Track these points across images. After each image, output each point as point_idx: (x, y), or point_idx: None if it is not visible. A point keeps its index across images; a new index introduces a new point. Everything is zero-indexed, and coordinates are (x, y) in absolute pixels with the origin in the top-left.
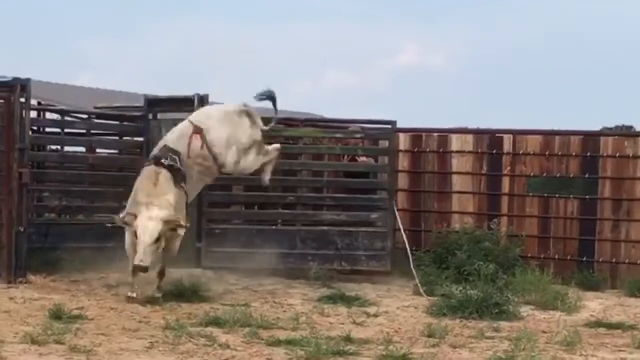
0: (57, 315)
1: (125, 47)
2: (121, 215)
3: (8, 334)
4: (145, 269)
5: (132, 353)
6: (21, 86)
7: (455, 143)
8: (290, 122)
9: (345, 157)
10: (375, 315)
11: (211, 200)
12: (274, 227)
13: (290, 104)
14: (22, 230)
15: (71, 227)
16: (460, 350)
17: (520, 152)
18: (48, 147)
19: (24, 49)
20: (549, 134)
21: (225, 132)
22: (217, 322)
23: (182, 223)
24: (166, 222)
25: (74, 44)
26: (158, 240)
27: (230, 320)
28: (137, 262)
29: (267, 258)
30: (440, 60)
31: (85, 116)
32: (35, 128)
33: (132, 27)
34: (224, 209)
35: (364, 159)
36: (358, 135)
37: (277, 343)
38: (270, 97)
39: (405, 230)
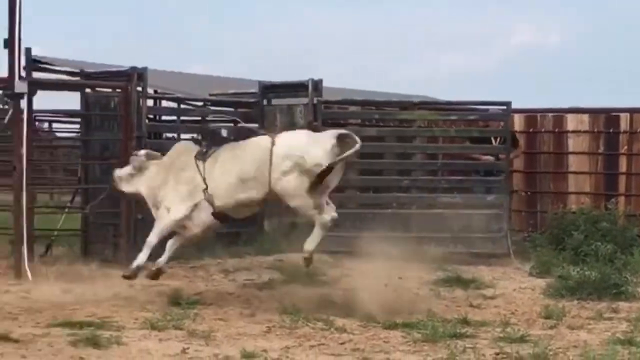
0: (176, 300)
1: (237, 34)
2: None
3: (128, 320)
4: None
5: (250, 337)
6: (138, 75)
7: (571, 122)
8: (404, 105)
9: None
10: (492, 297)
11: None
12: (389, 211)
13: (404, 87)
14: (141, 217)
15: None
16: (578, 331)
17: (638, 131)
18: (164, 135)
19: (140, 39)
20: None
21: None
22: (333, 306)
23: None
24: None
25: (186, 34)
26: None
27: (346, 303)
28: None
29: (382, 241)
30: (555, 39)
31: (201, 103)
32: (151, 116)
33: (243, 14)
34: (338, 193)
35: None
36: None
37: (394, 326)
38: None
39: (520, 212)
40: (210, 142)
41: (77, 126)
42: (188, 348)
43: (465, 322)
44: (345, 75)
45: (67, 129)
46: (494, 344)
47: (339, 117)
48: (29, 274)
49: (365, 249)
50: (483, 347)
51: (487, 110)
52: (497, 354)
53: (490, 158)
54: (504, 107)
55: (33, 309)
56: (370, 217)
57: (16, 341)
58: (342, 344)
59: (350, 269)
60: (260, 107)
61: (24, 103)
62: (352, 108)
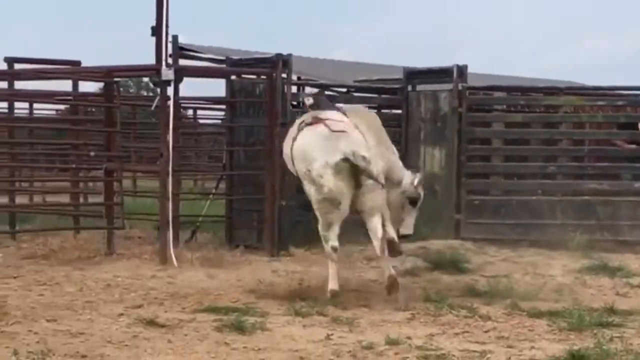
0: (319, 287)
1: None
2: None
3: (272, 306)
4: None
5: (394, 324)
6: (283, 62)
7: None
8: (550, 90)
9: None
10: (639, 286)
11: (470, 171)
12: (533, 198)
13: (549, 72)
14: (284, 203)
15: None
16: None
17: None
18: None
19: (283, 27)
20: None
21: None
22: (477, 294)
23: None
24: None
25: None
26: None
27: (490, 291)
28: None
29: (526, 229)
30: None
31: (345, 90)
32: (295, 103)
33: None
34: (482, 179)
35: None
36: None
37: (539, 314)
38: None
39: None
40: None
41: (222, 113)
42: (332, 334)
43: (611, 311)
44: (491, 61)
45: (212, 116)
46: None
47: (484, 103)
48: (174, 259)
49: (509, 236)
50: (631, 337)
51: (636, 95)
52: None
53: (632, 147)
54: None
55: (179, 295)
56: (514, 204)
57: (162, 326)
58: (486, 331)
59: (494, 256)
60: (405, 93)
61: (170, 90)
62: (498, 94)
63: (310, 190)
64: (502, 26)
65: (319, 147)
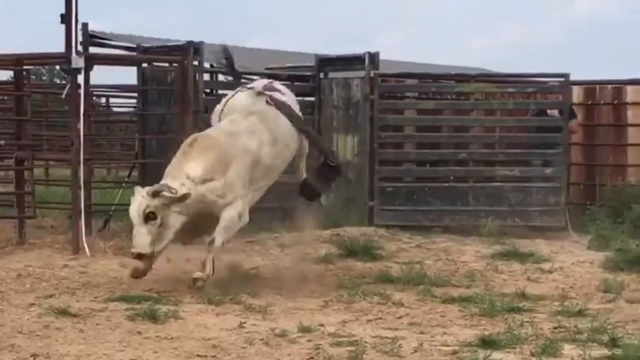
0: (233, 275)
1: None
2: None
3: (186, 294)
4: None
5: (307, 312)
6: (194, 49)
7: (631, 94)
8: (461, 77)
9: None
10: (550, 271)
11: (382, 159)
12: (446, 184)
13: (462, 59)
14: None
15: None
16: (637, 305)
17: None
18: None
19: (196, 13)
20: None
21: None
22: (390, 280)
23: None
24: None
25: (244, 7)
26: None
27: (403, 278)
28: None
29: (439, 215)
30: (614, 9)
31: (257, 77)
32: (208, 90)
33: None
34: (395, 166)
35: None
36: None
37: (451, 300)
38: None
39: (579, 185)
40: None
41: (134, 101)
42: (245, 322)
43: (523, 296)
44: (402, 48)
45: (124, 104)
46: (552, 318)
47: (396, 90)
48: (86, 248)
49: (421, 223)
50: (541, 321)
51: (545, 82)
52: (555, 328)
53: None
54: (562, 79)
55: (91, 284)
56: (427, 191)
57: (74, 315)
58: (399, 318)
59: (407, 242)
60: (317, 81)
61: (81, 78)
62: (409, 81)
63: None
64: (418, 11)
65: None
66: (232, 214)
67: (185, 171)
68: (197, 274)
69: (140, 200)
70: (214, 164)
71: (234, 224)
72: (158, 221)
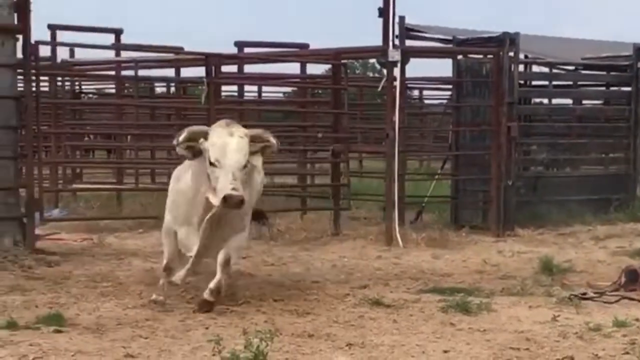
0: (546, 267)
1: None
2: None
3: (498, 286)
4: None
5: (622, 306)
6: (510, 40)
7: None
8: None
9: None
10: None
11: None
12: None
13: None
14: (511, 183)
15: (558, 179)
16: None
17: None
18: (534, 100)
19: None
20: None
21: None
22: None
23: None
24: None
25: None
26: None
27: None
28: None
29: None
30: None
31: (572, 67)
32: (522, 81)
33: None
34: None
35: None
36: None
37: None
38: None
39: None
40: None
41: (448, 93)
42: (559, 316)
43: None
44: None
45: (437, 96)
46: None
47: None
48: (399, 240)
49: None
50: None
51: None
52: None
53: None
54: None
55: (404, 275)
56: None
57: (388, 306)
58: None
59: None
60: (634, 70)
61: (397, 71)
62: None
63: None
64: None
65: None
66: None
67: None
68: (210, 298)
69: (242, 141)
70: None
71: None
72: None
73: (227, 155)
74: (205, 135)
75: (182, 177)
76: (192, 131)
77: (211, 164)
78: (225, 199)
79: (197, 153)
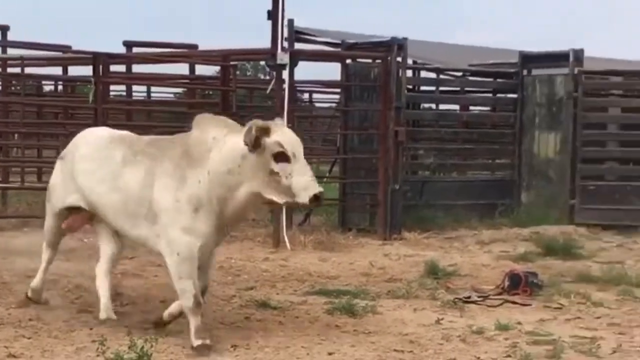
0: (432, 271)
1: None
2: None
3: (384, 289)
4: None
5: (504, 309)
6: (398, 45)
7: None
8: None
9: None
10: None
11: (585, 157)
12: None
13: None
14: (398, 187)
15: (445, 184)
16: None
17: None
18: (422, 105)
19: (399, 8)
20: None
21: None
22: (590, 280)
23: None
24: None
25: (448, 2)
26: None
27: (603, 277)
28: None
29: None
30: None
31: (460, 74)
32: (410, 86)
33: None
34: (597, 165)
35: None
36: None
37: None
38: None
39: None
40: None
41: (337, 96)
42: (442, 319)
43: None
44: (608, 45)
45: (327, 100)
46: None
47: (600, 88)
48: (287, 242)
49: (624, 223)
50: None
51: None
52: None
53: None
54: None
55: (291, 277)
56: (629, 190)
57: (274, 308)
58: (598, 318)
59: (608, 242)
60: (520, 78)
61: (285, 74)
62: (614, 78)
63: None
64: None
65: None
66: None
67: None
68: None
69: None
70: None
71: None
72: None
73: (300, 150)
74: (268, 131)
75: (179, 183)
76: (259, 126)
77: (280, 160)
78: (317, 197)
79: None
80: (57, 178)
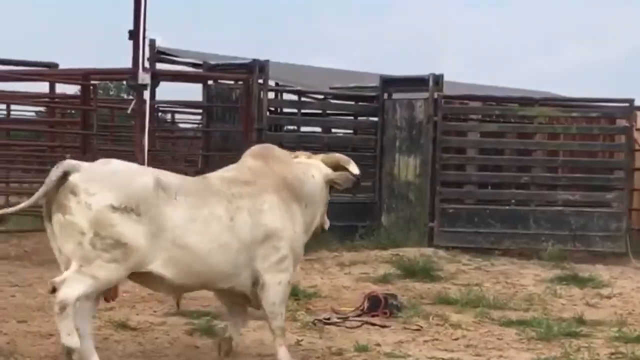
0: (292, 292)
1: (359, 27)
2: None
3: None
4: None
5: (364, 331)
6: (259, 67)
7: None
8: (525, 101)
9: None
10: (609, 297)
11: (444, 180)
12: (507, 207)
13: (524, 81)
14: None
15: None
16: None
17: None
18: (285, 127)
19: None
20: None
21: None
22: (448, 302)
23: None
24: None
25: (310, 26)
26: None
27: (461, 299)
28: None
29: (499, 238)
30: None
31: (321, 96)
32: (272, 108)
33: (365, 7)
34: (457, 188)
35: None
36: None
37: (509, 323)
38: None
39: None
40: None
41: (199, 117)
42: (302, 340)
43: (581, 321)
44: (466, 70)
45: (189, 120)
46: (610, 343)
47: (459, 112)
48: None
49: (481, 245)
50: (598, 347)
51: (609, 107)
52: (612, 353)
53: None
54: (627, 105)
55: (151, 298)
56: (488, 213)
57: (134, 329)
58: (455, 339)
59: (467, 264)
60: (381, 101)
61: (146, 94)
62: (473, 103)
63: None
64: (479, 34)
65: None
66: None
67: None
68: None
69: None
70: None
71: None
72: None
73: None
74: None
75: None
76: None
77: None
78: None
79: None
80: None
